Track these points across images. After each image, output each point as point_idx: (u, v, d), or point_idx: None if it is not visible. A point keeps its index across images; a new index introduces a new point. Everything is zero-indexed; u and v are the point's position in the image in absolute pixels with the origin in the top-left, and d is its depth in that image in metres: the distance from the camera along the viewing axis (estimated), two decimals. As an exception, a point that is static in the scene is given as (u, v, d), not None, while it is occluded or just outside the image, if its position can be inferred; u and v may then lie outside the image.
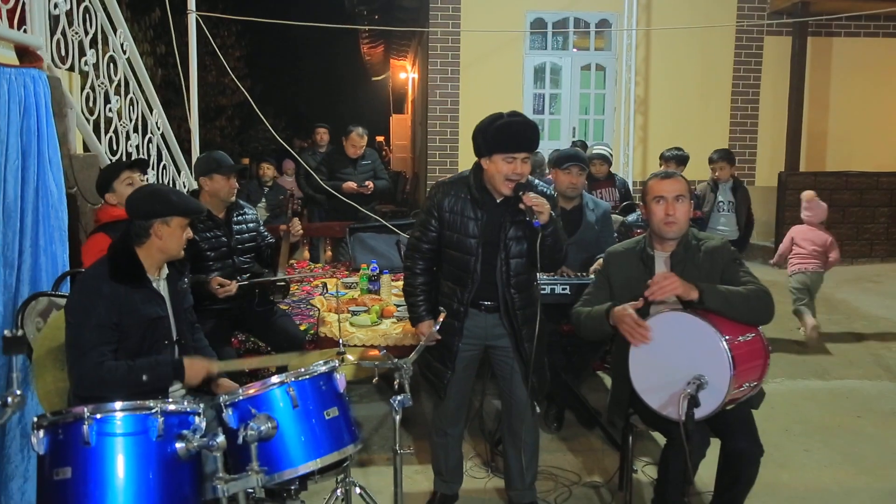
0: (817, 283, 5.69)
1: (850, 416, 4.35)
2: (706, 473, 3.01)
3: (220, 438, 2.02)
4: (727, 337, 2.44)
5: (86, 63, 4.33)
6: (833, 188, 8.84)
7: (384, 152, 16.02)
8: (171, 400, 2.28)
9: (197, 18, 6.23)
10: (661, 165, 6.08)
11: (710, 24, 8.79)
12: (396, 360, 2.54)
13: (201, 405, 2.20)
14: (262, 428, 2.07)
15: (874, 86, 9.28)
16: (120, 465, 2.00)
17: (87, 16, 4.35)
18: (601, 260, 3.34)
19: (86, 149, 4.41)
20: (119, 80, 4.79)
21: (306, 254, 6.75)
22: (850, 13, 8.46)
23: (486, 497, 3.42)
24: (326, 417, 2.35)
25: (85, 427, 1.98)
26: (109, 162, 4.34)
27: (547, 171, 5.84)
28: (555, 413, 4.13)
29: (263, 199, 7.50)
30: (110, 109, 4.63)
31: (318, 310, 4.07)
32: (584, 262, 3.97)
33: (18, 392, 2.37)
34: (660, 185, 2.84)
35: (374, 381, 2.80)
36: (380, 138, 17.32)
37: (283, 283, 3.80)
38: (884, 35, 9.27)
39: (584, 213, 4.13)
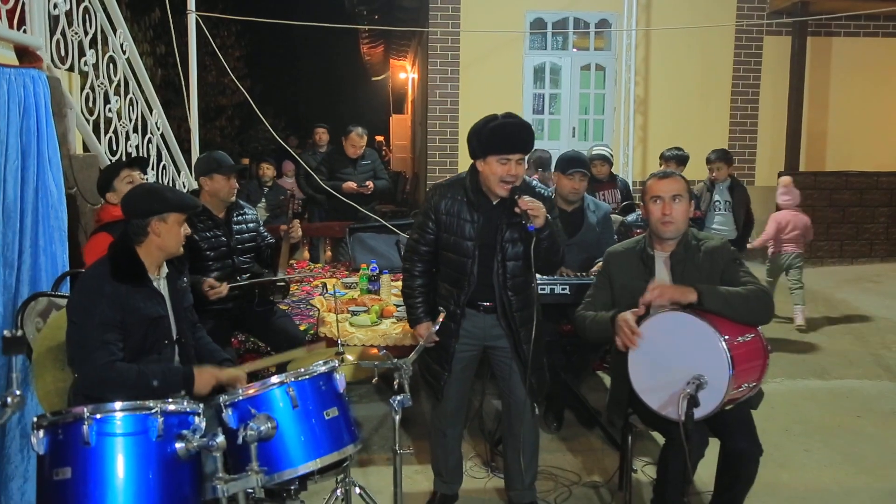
0: (796, 263, 6.08)
1: (849, 416, 4.35)
2: (705, 473, 3.02)
3: (220, 438, 2.02)
4: (726, 337, 2.44)
5: (85, 63, 4.33)
6: (833, 188, 8.84)
7: (384, 152, 16.02)
8: (170, 400, 2.27)
9: (197, 18, 6.23)
10: (660, 165, 6.08)
11: (710, 24, 8.78)
12: (396, 360, 2.54)
13: (201, 405, 2.20)
14: (262, 428, 2.07)
15: (874, 86, 9.27)
16: (120, 466, 2.00)
17: (87, 16, 4.35)
18: (601, 262, 3.35)
19: (85, 149, 4.42)
20: (119, 81, 4.79)
21: (306, 254, 6.74)
22: (850, 13, 8.46)
23: (485, 497, 3.42)
24: (326, 417, 2.35)
25: (85, 427, 1.98)
26: (109, 162, 4.34)
27: (551, 170, 5.83)
28: (554, 413, 4.13)
29: (263, 200, 7.50)
30: (110, 110, 4.63)
31: (318, 310, 4.07)
32: (583, 263, 3.98)
33: (18, 392, 2.37)
34: (657, 184, 2.85)
35: (373, 381, 2.80)
36: (379, 138, 17.31)
37: (282, 284, 3.80)
38: (883, 35, 9.26)
39: (586, 214, 4.13)
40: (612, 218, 4.49)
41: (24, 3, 3.75)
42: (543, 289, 3.56)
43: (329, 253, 6.61)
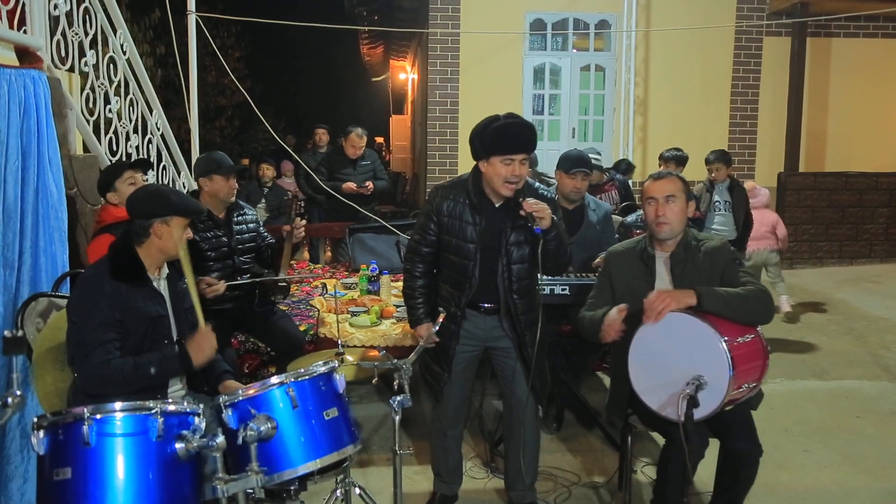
0: (772, 259, 6.30)
1: (849, 416, 4.36)
2: (705, 473, 3.02)
3: (220, 439, 2.02)
4: (726, 338, 2.45)
5: (86, 64, 4.33)
6: (833, 188, 8.84)
7: (384, 153, 16.02)
8: (170, 400, 2.28)
9: (197, 19, 6.23)
10: (660, 166, 6.08)
11: (710, 24, 8.78)
12: (396, 360, 2.55)
13: (201, 405, 2.20)
14: (262, 428, 2.07)
15: (873, 86, 9.27)
16: (120, 466, 2.00)
17: (87, 17, 4.35)
18: (602, 256, 3.35)
19: (86, 150, 4.42)
20: (119, 81, 4.79)
21: (306, 254, 6.74)
22: (849, 14, 8.46)
23: (485, 497, 3.42)
24: (326, 418, 2.35)
25: (85, 427, 1.98)
26: (109, 163, 4.34)
27: (537, 169, 5.83)
28: (554, 413, 4.13)
29: (263, 200, 7.50)
30: (110, 110, 4.63)
31: (318, 310, 4.07)
32: (584, 263, 3.98)
33: (18, 392, 2.37)
34: (651, 186, 2.86)
35: (373, 381, 2.81)
36: (379, 139, 17.32)
37: (283, 284, 3.80)
38: (883, 35, 9.26)
39: (586, 213, 4.14)
40: (613, 219, 4.49)
41: (24, 4, 3.75)
42: (543, 289, 3.55)
43: (329, 253, 6.60)
